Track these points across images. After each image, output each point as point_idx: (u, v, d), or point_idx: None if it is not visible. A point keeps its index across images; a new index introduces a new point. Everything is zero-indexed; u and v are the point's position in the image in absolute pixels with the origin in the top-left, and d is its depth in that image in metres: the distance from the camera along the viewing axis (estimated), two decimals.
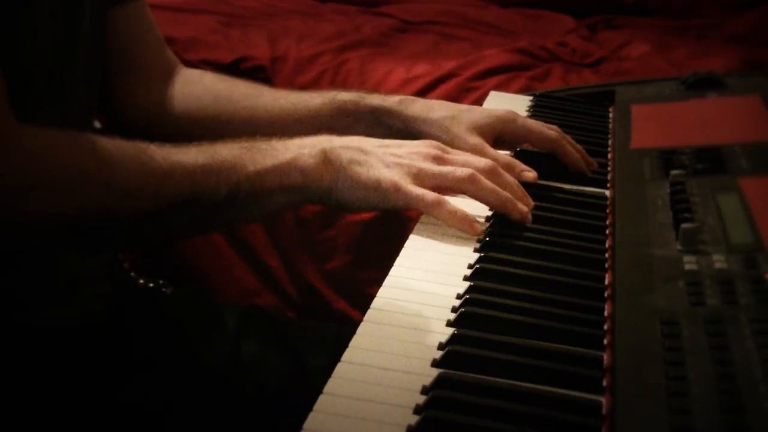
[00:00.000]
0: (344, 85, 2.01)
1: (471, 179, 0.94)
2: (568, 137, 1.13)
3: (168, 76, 1.17)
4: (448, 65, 2.06)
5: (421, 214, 0.97)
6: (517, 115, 1.14)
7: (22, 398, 0.92)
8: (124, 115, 1.13)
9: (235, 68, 2.08)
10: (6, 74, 0.85)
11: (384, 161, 0.93)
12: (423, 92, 1.96)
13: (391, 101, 1.13)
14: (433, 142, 0.99)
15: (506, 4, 2.62)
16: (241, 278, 2.02)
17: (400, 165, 0.93)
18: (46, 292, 0.98)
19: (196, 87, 1.16)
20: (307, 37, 2.22)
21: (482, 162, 0.96)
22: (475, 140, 1.08)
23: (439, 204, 0.92)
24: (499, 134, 1.12)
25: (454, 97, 1.94)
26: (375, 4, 2.62)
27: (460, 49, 2.24)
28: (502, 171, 0.96)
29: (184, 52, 2.11)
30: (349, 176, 0.91)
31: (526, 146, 1.14)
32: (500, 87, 1.90)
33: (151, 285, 1.15)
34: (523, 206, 0.94)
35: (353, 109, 1.13)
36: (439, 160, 0.96)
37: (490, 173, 0.95)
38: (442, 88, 1.98)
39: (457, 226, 0.93)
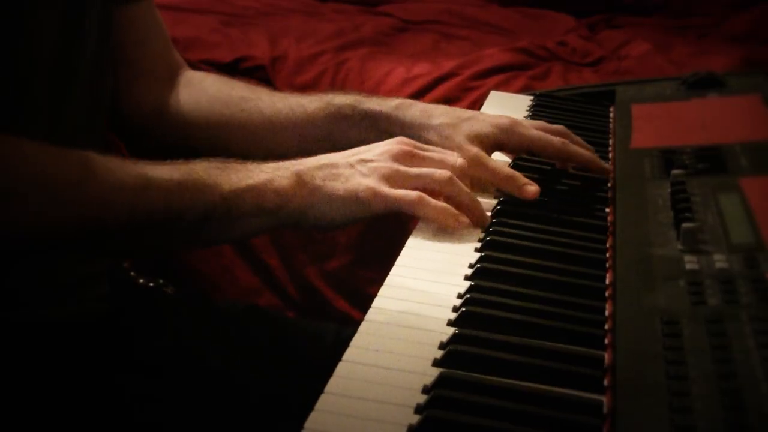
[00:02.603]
0: (344, 85, 2.01)
1: (451, 181, 0.93)
2: (576, 137, 1.10)
3: (172, 78, 1.17)
4: (448, 64, 2.06)
5: None
6: (519, 123, 1.10)
7: (22, 398, 0.92)
8: (129, 118, 1.13)
9: (235, 68, 2.08)
10: (3, 82, 0.85)
11: (357, 170, 0.92)
12: (423, 91, 1.96)
13: (388, 106, 1.11)
14: (403, 139, 0.97)
15: (506, 4, 2.62)
16: (241, 278, 2.02)
17: (374, 170, 0.92)
18: (46, 291, 0.98)
19: (196, 90, 1.16)
20: (307, 36, 2.22)
21: (458, 160, 0.96)
22: (474, 150, 1.05)
23: (420, 202, 0.91)
24: (500, 144, 1.09)
25: (455, 97, 1.94)
26: (375, 3, 2.62)
27: (460, 49, 2.24)
28: (466, 172, 0.97)
29: (185, 51, 2.11)
30: (326, 194, 0.90)
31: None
32: (500, 86, 1.90)
33: (151, 284, 1.15)
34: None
35: (349, 113, 1.12)
36: (411, 157, 0.95)
37: (463, 175, 0.95)
38: (442, 88, 1.98)
39: (442, 222, 0.92)
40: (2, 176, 0.76)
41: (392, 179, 0.92)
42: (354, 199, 0.90)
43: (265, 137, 1.14)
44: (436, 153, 0.97)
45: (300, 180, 0.90)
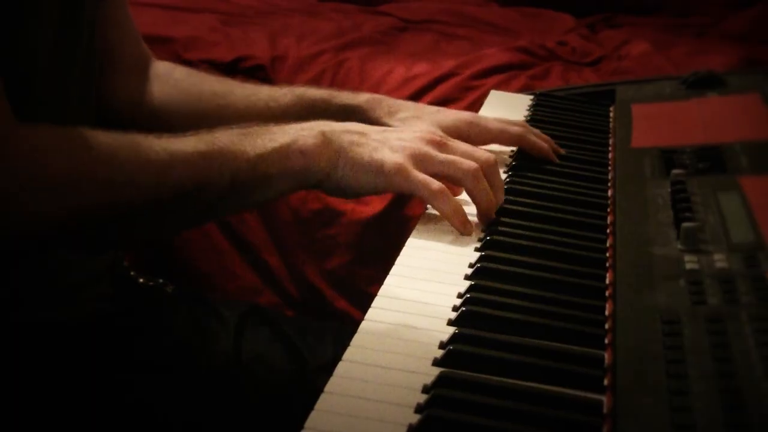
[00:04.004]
0: (344, 84, 2.01)
1: (476, 174, 0.93)
2: (535, 130, 1.15)
3: (144, 70, 1.17)
4: (448, 64, 2.06)
5: (421, 211, 0.97)
6: (480, 117, 1.15)
7: (25, 398, 0.92)
8: (105, 110, 1.12)
9: (235, 67, 2.08)
10: (6, 75, 0.85)
11: (387, 143, 0.92)
12: (423, 91, 1.96)
13: (359, 100, 1.14)
14: (432, 129, 0.98)
15: (506, 3, 2.62)
16: (241, 277, 2.02)
17: (404, 147, 0.92)
18: (48, 291, 0.98)
19: (168, 82, 1.16)
20: (307, 36, 2.22)
21: (484, 155, 0.96)
22: (433, 129, 1.07)
23: (442, 194, 0.91)
24: (462, 136, 1.11)
25: (455, 97, 1.94)
26: (375, 3, 2.62)
27: (459, 48, 2.24)
28: (497, 168, 0.97)
29: (184, 51, 2.12)
30: (351, 158, 0.90)
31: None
32: (500, 86, 1.90)
33: (151, 284, 1.15)
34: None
35: (323, 107, 1.13)
36: (442, 145, 0.95)
37: (490, 167, 0.95)
38: (442, 87, 1.98)
39: (452, 220, 0.93)
40: (32, 165, 0.76)
41: (419, 161, 0.92)
42: (378, 169, 0.90)
43: None
44: (466, 146, 0.97)
45: (326, 139, 0.90)
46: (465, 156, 0.95)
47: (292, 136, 0.89)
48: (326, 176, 0.90)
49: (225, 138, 0.87)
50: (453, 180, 0.93)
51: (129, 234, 0.89)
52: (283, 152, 0.88)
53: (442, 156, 0.93)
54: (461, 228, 0.93)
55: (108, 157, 0.81)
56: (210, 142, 0.86)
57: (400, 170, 0.90)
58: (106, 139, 0.82)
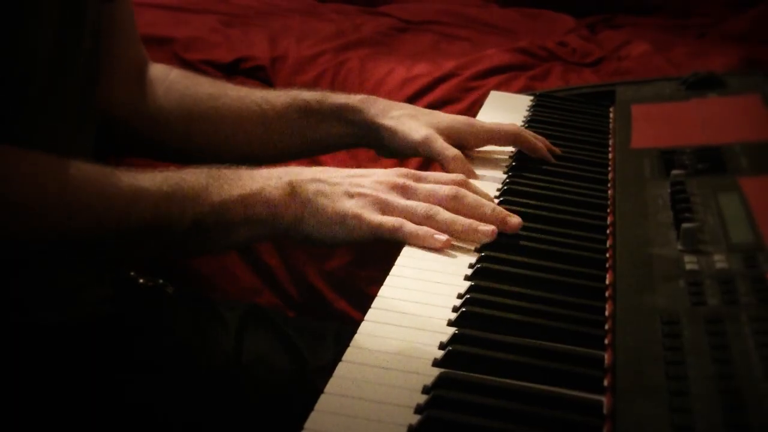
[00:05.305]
0: (344, 85, 2.01)
1: (428, 215, 0.91)
2: (529, 132, 1.16)
3: (141, 72, 1.17)
4: (449, 65, 2.06)
5: None
6: (474, 120, 1.17)
7: (25, 398, 0.92)
8: (102, 114, 1.13)
9: (235, 68, 2.08)
10: (6, 75, 0.85)
11: (348, 192, 0.90)
12: (423, 92, 1.96)
13: (354, 99, 1.15)
14: (402, 170, 0.96)
15: (506, 4, 2.62)
16: (241, 277, 2.02)
17: (363, 195, 0.90)
18: (48, 293, 0.98)
19: (163, 85, 1.17)
20: (307, 36, 2.22)
21: (445, 190, 0.94)
22: (427, 131, 1.10)
23: (399, 228, 0.89)
24: (460, 137, 1.12)
25: (455, 97, 1.94)
26: (375, 3, 2.62)
27: (460, 49, 2.24)
28: (465, 192, 0.94)
29: (185, 51, 2.12)
30: (316, 210, 0.89)
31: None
32: (500, 86, 1.90)
33: (151, 285, 1.15)
34: (486, 227, 0.91)
35: (317, 107, 1.14)
36: (404, 190, 0.93)
37: (453, 200, 0.93)
38: (442, 88, 1.98)
39: (422, 245, 0.90)
40: None
41: (380, 209, 0.90)
42: (340, 222, 0.89)
43: (234, 133, 1.15)
44: (427, 184, 0.95)
45: (292, 191, 0.89)
46: (428, 196, 0.93)
47: (259, 185, 0.88)
48: (292, 227, 0.89)
49: (192, 180, 0.87)
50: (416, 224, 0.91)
51: (92, 260, 0.90)
52: (249, 201, 0.87)
53: (400, 203, 0.91)
54: (434, 245, 0.90)
55: (71, 185, 0.82)
56: (175, 184, 0.86)
57: (358, 218, 0.88)
58: (71, 168, 0.83)
